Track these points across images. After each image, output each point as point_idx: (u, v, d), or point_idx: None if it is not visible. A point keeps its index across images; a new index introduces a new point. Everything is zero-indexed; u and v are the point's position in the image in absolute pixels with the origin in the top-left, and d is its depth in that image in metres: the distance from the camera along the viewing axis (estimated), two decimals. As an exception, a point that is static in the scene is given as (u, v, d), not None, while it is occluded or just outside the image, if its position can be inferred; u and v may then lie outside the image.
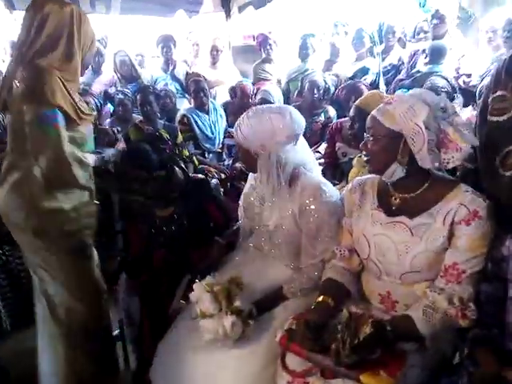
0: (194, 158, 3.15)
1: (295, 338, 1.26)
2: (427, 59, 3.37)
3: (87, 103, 2.70)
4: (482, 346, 1.14)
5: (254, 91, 3.54)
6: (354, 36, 4.00)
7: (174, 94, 3.79)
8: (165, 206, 1.89)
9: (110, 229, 1.98)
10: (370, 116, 1.32)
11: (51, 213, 1.61)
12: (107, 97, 3.65)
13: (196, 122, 3.38)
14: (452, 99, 2.72)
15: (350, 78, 3.56)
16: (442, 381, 1.22)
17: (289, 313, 1.46)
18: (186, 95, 4.08)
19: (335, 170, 2.77)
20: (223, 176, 3.10)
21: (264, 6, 4.19)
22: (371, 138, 1.30)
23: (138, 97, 3.19)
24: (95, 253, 1.83)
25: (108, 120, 3.52)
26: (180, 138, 3.15)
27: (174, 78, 4.25)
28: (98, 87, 3.87)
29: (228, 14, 4.45)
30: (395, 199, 1.35)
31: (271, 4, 4.22)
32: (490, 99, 1.28)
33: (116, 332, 2.07)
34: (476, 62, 3.31)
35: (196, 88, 3.41)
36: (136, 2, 3.78)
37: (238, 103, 3.59)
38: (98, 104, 3.05)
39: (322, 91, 3.28)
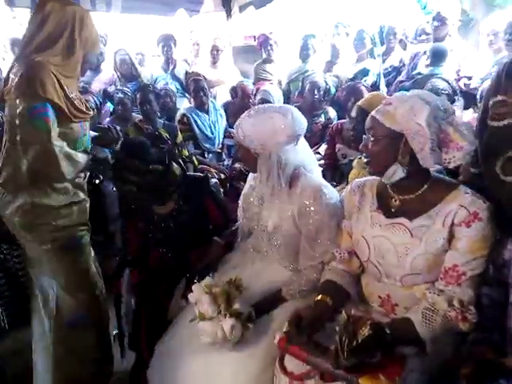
0: (194, 157, 3.15)
1: (289, 335, 1.25)
2: (428, 61, 3.37)
3: (87, 101, 2.71)
4: (481, 344, 1.13)
5: (254, 91, 3.53)
6: (355, 37, 3.99)
7: (174, 93, 3.79)
8: (162, 203, 1.89)
9: (107, 227, 1.97)
10: (369, 117, 1.32)
11: (41, 208, 1.63)
12: (106, 95, 3.63)
13: (196, 122, 3.37)
14: (453, 101, 2.72)
15: (351, 79, 3.56)
16: (442, 385, 1.22)
17: (288, 315, 1.43)
18: (187, 94, 4.07)
19: (335, 171, 2.77)
20: (223, 176, 3.09)
21: (265, 6, 4.18)
22: (372, 139, 1.29)
23: (138, 96, 3.18)
24: (91, 250, 1.83)
25: (107, 119, 3.50)
26: (180, 137, 3.15)
27: (174, 78, 4.25)
28: (97, 86, 3.86)
29: (229, 13, 4.43)
30: (395, 201, 1.34)
31: (272, 4, 4.21)
32: (490, 104, 1.28)
33: (114, 332, 2.06)
34: (477, 64, 3.31)
35: (195, 87, 3.41)
36: (136, 1, 3.75)
37: (239, 103, 3.58)
38: (98, 103, 3.02)
39: (322, 92, 3.28)
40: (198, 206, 1.91)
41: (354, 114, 2.29)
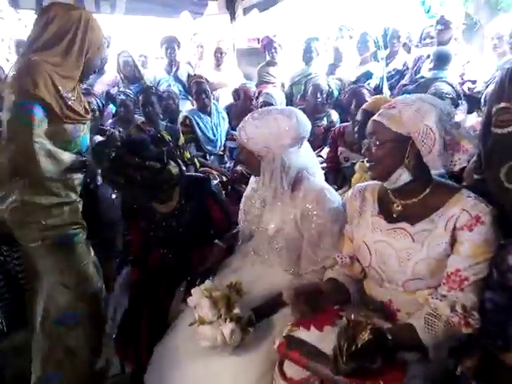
0: (196, 160, 3.15)
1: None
2: (431, 65, 3.36)
3: (89, 103, 2.71)
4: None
5: (256, 94, 3.52)
6: (359, 40, 3.99)
7: (177, 95, 3.78)
8: (157, 200, 1.89)
9: (102, 232, 1.97)
10: (371, 121, 1.31)
11: (30, 206, 1.65)
12: (109, 97, 3.64)
13: (198, 124, 3.37)
14: (457, 105, 2.70)
15: (354, 82, 3.55)
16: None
17: (288, 319, 1.43)
18: (189, 97, 4.07)
19: (337, 174, 2.76)
20: (224, 179, 3.09)
21: (268, 9, 4.18)
22: (378, 143, 1.27)
23: (140, 98, 3.19)
24: (86, 249, 1.83)
25: (110, 121, 3.51)
26: (182, 139, 3.15)
27: (177, 80, 4.25)
28: (100, 87, 3.86)
29: (233, 16, 4.44)
30: (397, 206, 1.33)
31: (276, 7, 4.22)
32: (493, 111, 1.27)
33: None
34: (481, 68, 3.29)
35: (198, 90, 3.41)
36: (140, 3, 3.77)
37: (241, 106, 3.58)
38: (100, 104, 3.02)
39: (325, 95, 3.27)
40: (200, 205, 1.91)
41: (358, 117, 2.28)
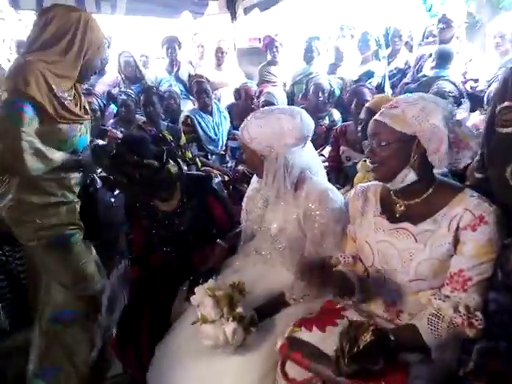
0: (197, 159, 3.15)
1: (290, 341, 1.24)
2: (434, 63, 3.35)
3: (90, 103, 2.71)
4: (488, 356, 1.10)
5: (257, 94, 3.51)
6: (360, 39, 3.98)
7: (179, 95, 3.78)
8: (164, 200, 1.89)
9: (101, 234, 1.98)
10: (374, 122, 1.29)
11: (26, 205, 1.67)
12: (110, 97, 3.64)
13: (199, 123, 3.37)
14: (459, 104, 2.69)
15: (355, 81, 3.54)
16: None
17: (290, 319, 1.43)
18: (191, 97, 4.07)
19: (339, 173, 2.75)
20: (226, 178, 3.08)
21: (269, 9, 4.18)
22: (383, 144, 1.25)
23: (142, 97, 3.19)
24: (84, 248, 1.84)
25: (111, 121, 3.51)
26: (183, 139, 3.15)
27: (179, 80, 4.25)
28: (101, 88, 3.87)
29: (233, 15, 4.44)
30: (399, 206, 1.32)
31: (277, 6, 4.21)
32: (497, 110, 1.26)
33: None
34: (483, 66, 3.28)
35: (198, 89, 3.41)
36: (141, 3, 3.76)
37: (243, 105, 3.58)
38: (101, 104, 3.02)
39: (326, 94, 3.26)
40: (201, 203, 1.91)
41: (362, 115, 2.27)
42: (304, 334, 1.26)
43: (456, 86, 2.73)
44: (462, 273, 1.19)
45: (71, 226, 1.77)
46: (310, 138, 1.59)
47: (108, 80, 4.07)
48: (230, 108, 3.76)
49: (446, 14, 3.55)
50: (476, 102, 2.95)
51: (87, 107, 1.84)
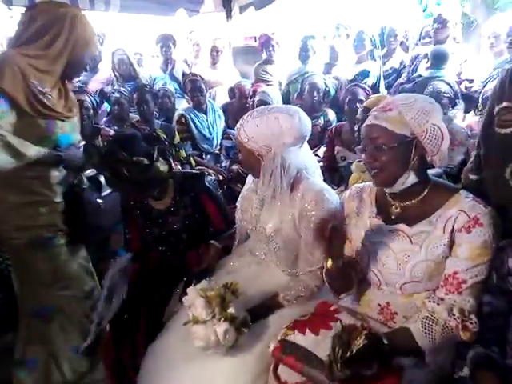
0: (191, 158, 3.13)
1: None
2: (429, 64, 3.35)
3: (82, 101, 2.68)
4: (484, 369, 1.09)
5: (250, 93, 3.50)
6: (355, 38, 3.96)
7: (173, 93, 3.76)
8: (158, 198, 1.88)
9: (87, 237, 1.96)
10: (370, 127, 1.26)
11: (3, 203, 1.66)
12: (103, 96, 3.61)
13: (194, 122, 3.35)
14: (454, 105, 2.69)
15: (351, 81, 3.53)
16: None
17: (284, 321, 1.41)
18: (185, 95, 4.04)
19: (334, 173, 2.75)
20: (220, 178, 3.07)
21: (265, 7, 4.16)
22: (383, 148, 1.22)
23: (135, 96, 3.17)
24: (66, 251, 1.83)
25: (104, 119, 3.48)
26: (177, 138, 3.14)
27: (173, 78, 4.23)
28: (94, 85, 3.84)
29: (229, 14, 4.42)
30: (395, 208, 1.31)
31: (272, 5, 4.20)
32: (495, 111, 1.26)
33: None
34: (478, 67, 3.29)
35: (192, 87, 3.40)
36: (135, 1, 3.74)
37: (238, 104, 3.56)
38: (94, 102, 2.99)
39: (321, 94, 3.26)
40: (194, 202, 1.90)
41: (359, 115, 2.26)
42: (297, 337, 1.25)
43: (451, 86, 2.73)
44: (456, 275, 1.18)
45: (52, 228, 1.75)
46: (307, 138, 1.57)
47: (101, 78, 4.04)
48: (224, 107, 3.75)
49: (442, 13, 3.56)
50: (471, 102, 2.96)
51: (74, 105, 1.81)
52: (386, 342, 1.13)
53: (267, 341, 1.35)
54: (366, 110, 2.13)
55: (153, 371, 1.50)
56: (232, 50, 4.71)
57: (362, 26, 4.13)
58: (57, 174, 1.77)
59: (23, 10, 3.28)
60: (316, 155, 2.94)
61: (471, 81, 3.23)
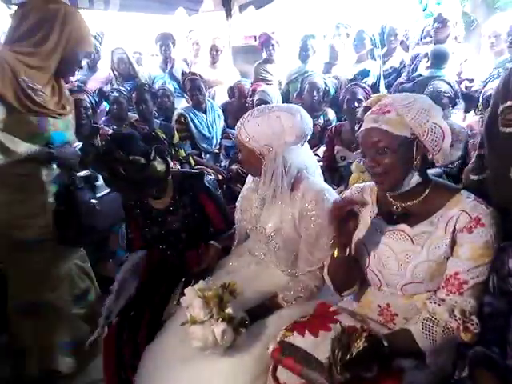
0: (191, 158, 3.12)
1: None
2: (429, 63, 3.34)
3: (81, 100, 2.67)
4: (483, 368, 1.08)
5: (249, 92, 3.49)
6: (355, 37, 3.96)
7: (172, 92, 3.75)
8: (157, 198, 1.88)
9: (81, 237, 1.94)
10: (370, 130, 1.24)
11: None
12: (102, 95, 3.59)
13: (193, 121, 3.35)
14: (454, 104, 2.69)
15: (351, 80, 3.52)
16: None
17: (283, 322, 1.40)
18: (185, 94, 4.03)
19: (334, 173, 2.74)
20: (220, 177, 3.06)
21: (264, 6, 4.15)
22: (385, 151, 1.21)
23: (134, 95, 3.16)
24: (55, 253, 1.83)
25: (103, 118, 3.47)
26: (176, 137, 3.13)
27: (173, 77, 4.22)
28: (93, 84, 3.83)
29: (228, 13, 4.41)
30: (396, 208, 1.30)
31: (272, 4, 4.19)
32: (499, 110, 1.25)
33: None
34: (478, 66, 3.28)
35: (192, 86, 3.39)
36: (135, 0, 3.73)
37: (237, 104, 3.55)
38: (93, 101, 2.98)
39: (321, 93, 3.25)
40: (193, 201, 1.89)
41: (360, 115, 2.25)
42: (296, 339, 1.24)
43: (451, 86, 2.72)
44: (457, 276, 1.17)
45: (42, 229, 1.74)
46: (309, 136, 1.56)
47: (100, 77, 4.03)
48: (224, 106, 3.74)
49: (442, 13, 3.55)
50: (471, 102, 2.96)
51: (68, 103, 1.80)
52: (386, 344, 1.12)
53: (266, 342, 1.34)
54: (367, 110, 2.13)
55: (151, 371, 1.49)
56: (232, 49, 4.70)
57: (362, 25, 4.13)
58: (48, 172, 1.75)
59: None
60: (316, 155, 2.93)
61: (471, 80, 3.22)
